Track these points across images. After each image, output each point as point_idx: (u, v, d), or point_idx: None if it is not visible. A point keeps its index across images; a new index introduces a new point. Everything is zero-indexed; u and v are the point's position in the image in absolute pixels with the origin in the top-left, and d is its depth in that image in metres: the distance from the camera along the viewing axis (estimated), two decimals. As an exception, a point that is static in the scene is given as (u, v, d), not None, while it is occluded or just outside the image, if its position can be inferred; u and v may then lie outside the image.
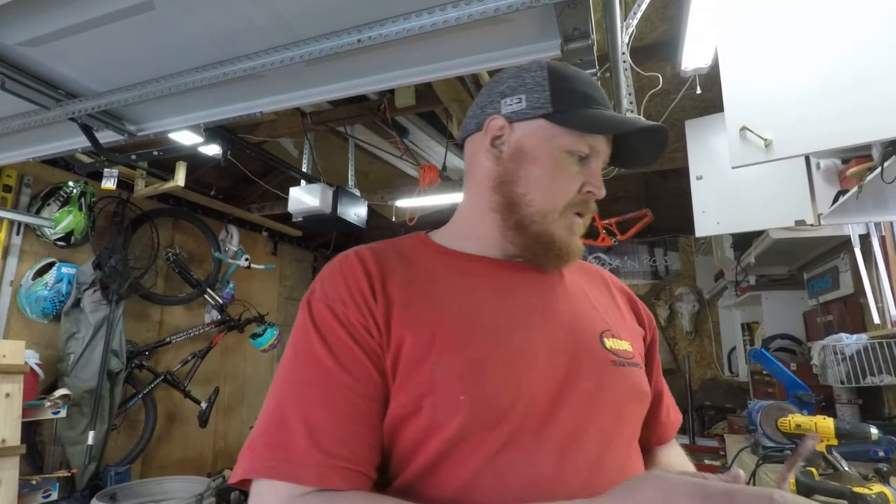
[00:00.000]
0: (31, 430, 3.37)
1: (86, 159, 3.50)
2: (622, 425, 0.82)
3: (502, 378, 0.75)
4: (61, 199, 3.66)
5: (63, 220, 3.62)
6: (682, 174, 3.59)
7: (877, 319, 2.55)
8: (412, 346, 0.76)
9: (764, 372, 3.25)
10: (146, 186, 4.05)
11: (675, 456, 1.02)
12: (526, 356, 0.78)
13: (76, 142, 2.19)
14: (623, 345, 0.88)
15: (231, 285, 5.04)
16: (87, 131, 2.02)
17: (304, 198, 3.45)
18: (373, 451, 0.72)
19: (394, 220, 5.09)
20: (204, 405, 4.38)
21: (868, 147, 2.02)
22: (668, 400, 1.03)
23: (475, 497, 0.70)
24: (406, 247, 0.95)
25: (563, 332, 0.84)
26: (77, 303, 3.68)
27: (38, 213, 3.59)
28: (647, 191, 5.55)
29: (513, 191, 0.89)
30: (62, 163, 3.76)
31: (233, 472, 0.73)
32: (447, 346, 0.76)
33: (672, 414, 1.03)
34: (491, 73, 2.87)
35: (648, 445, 0.98)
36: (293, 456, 0.68)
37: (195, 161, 4.07)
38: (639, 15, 2.03)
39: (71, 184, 3.71)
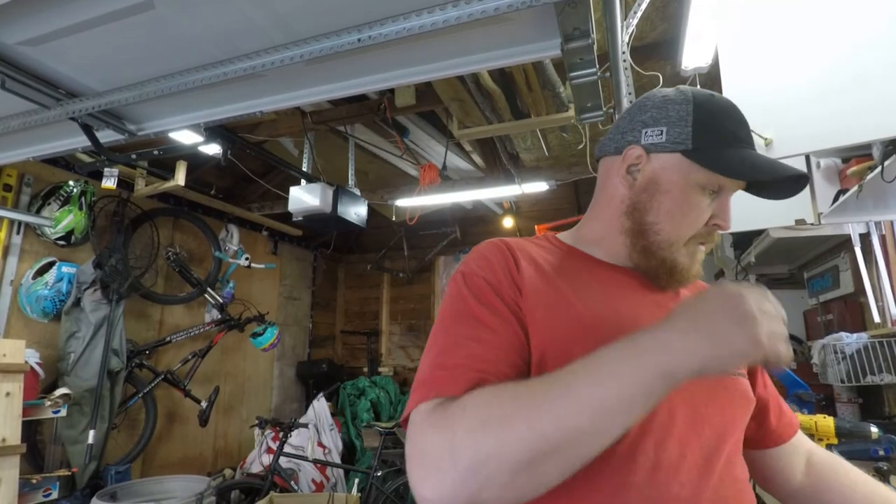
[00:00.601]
0: (31, 430, 3.37)
1: (86, 159, 3.50)
2: (733, 431, 0.86)
3: None
4: (61, 199, 3.65)
5: (63, 220, 3.62)
6: (682, 173, 3.59)
7: (877, 318, 2.55)
8: (561, 327, 0.82)
9: (764, 371, 3.25)
10: (146, 186, 4.05)
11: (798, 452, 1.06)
12: None
13: (76, 141, 2.19)
14: None
15: (231, 285, 5.04)
16: (88, 131, 2.02)
17: (305, 197, 3.45)
18: (508, 368, 0.77)
19: (394, 219, 5.10)
20: (204, 404, 4.38)
21: (868, 146, 2.01)
22: (778, 403, 1.06)
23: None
24: (539, 244, 1.01)
25: None
26: (77, 302, 3.68)
27: (38, 212, 3.59)
28: (647, 190, 5.54)
29: (643, 219, 0.93)
30: (62, 162, 3.76)
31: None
32: (595, 335, 0.78)
33: (784, 417, 1.05)
34: (491, 73, 2.87)
35: (761, 449, 1.05)
36: (430, 379, 0.76)
37: (195, 160, 4.07)
38: (639, 14, 2.03)
39: (71, 183, 3.71)
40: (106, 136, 2.10)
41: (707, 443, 0.80)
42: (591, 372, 0.67)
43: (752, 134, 0.92)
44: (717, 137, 0.90)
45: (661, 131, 0.93)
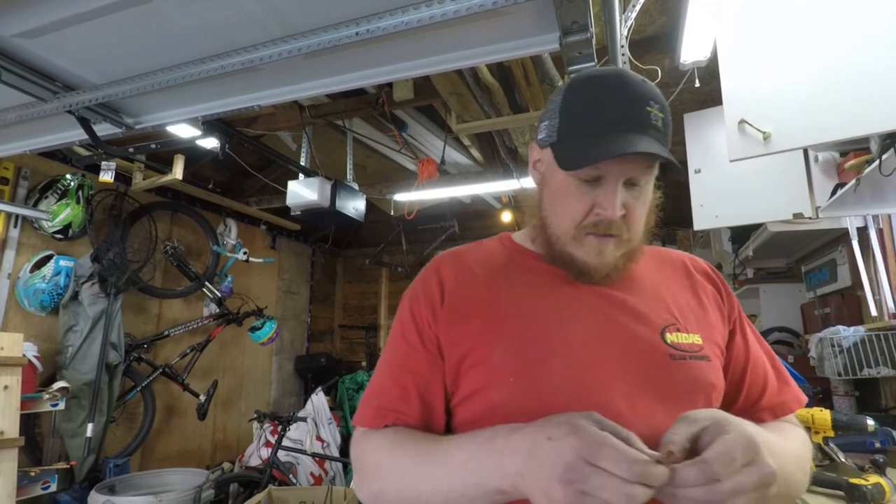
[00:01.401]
0: (29, 423, 3.37)
1: (83, 152, 3.49)
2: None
3: (547, 366, 0.84)
4: (59, 192, 3.65)
5: (61, 213, 3.62)
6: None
7: (874, 312, 2.56)
8: (475, 337, 0.90)
9: (761, 365, 3.26)
10: (144, 180, 4.04)
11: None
12: (574, 348, 0.86)
13: (74, 134, 2.18)
14: (690, 338, 0.91)
15: (229, 279, 5.04)
16: (85, 124, 2.01)
17: (303, 191, 3.45)
18: (417, 407, 0.91)
19: (392, 213, 5.09)
20: (202, 398, 4.39)
21: (866, 140, 2.02)
22: (774, 380, 1.00)
23: None
24: (493, 247, 1.07)
25: (619, 328, 0.89)
26: (75, 296, 3.68)
27: (35, 205, 3.58)
28: (645, 184, 5.54)
29: (542, 213, 0.98)
30: (60, 155, 3.75)
31: None
32: (508, 336, 0.88)
33: (780, 395, 1.00)
34: (490, 67, 2.87)
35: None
36: (364, 410, 0.95)
37: (193, 154, 4.06)
38: (637, 7, 2.02)
39: (68, 176, 3.70)
40: (103, 129, 2.09)
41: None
42: (447, 462, 0.80)
43: (649, 111, 0.86)
44: (574, 126, 0.89)
45: (545, 125, 0.94)
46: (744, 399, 0.98)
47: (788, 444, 0.88)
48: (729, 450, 0.65)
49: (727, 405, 0.96)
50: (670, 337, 0.89)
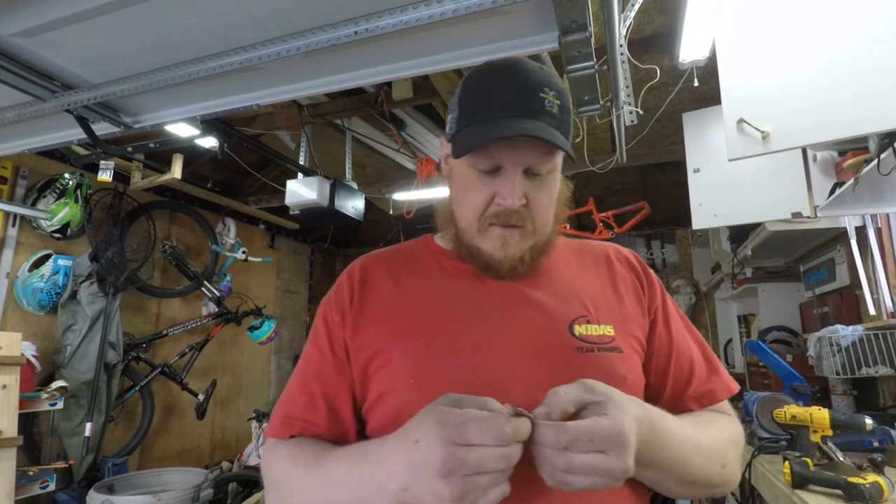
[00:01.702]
0: (28, 422, 3.38)
1: (82, 151, 3.49)
2: None
3: (448, 364, 0.84)
4: (57, 191, 3.65)
5: (59, 212, 3.61)
6: (679, 167, 3.59)
7: (872, 311, 2.57)
8: (380, 339, 0.90)
9: (760, 363, 3.27)
10: (143, 179, 4.03)
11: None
12: (478, 346, 0.86)
13: (72, 133, 2.18)
14: (601, 330, 0.90)
15: (228, 278, 5.04)
16: (83, 123, 2.01)
17: (302, 191, 3.44)
18: (324, 415, 0.90)
19: (391, 213, 5.09)
20: (201, 397, 4.39)
21: (864, 139, 2.02)
22: (702, 370, 0.99)
23: None
24: (409, 248, 1.08)
25: (526, 323, 0.89)
26: (74, 295, 3.68)
27: (33, 204, 3.58)
28: (644, 183, 5.55)
29: (452, 209, 0.98)
30: (58, 154, 3.75)
31: None
32: (409, 336, 0.89)
33: (708, 384, 0.98)
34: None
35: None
36: (272, 420, 0.94)
37: (192, 153, 4.06)
38: (636, 6, 2.02)
39: (67, 176, 3.70)
40: (102, 128, 2.09)
41: None
42: (328, 478, 0.80)
43: (543, 97, 0.85)
44: (468, 116, 0.89)
45: (449, 118, 0.95)
46: (670, 389, 0.97)
47: (700, 432, 0.87)
48: (592, 431, 0.66)
49: (654, 396, 0.95)
50: (579, 329, 0.88)
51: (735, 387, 1.01)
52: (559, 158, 0.90)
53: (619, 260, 1.05)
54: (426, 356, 0.86)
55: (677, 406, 0.95)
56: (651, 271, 1.06)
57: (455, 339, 0.87)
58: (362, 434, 0.93)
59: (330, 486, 0.79)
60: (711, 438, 0.88)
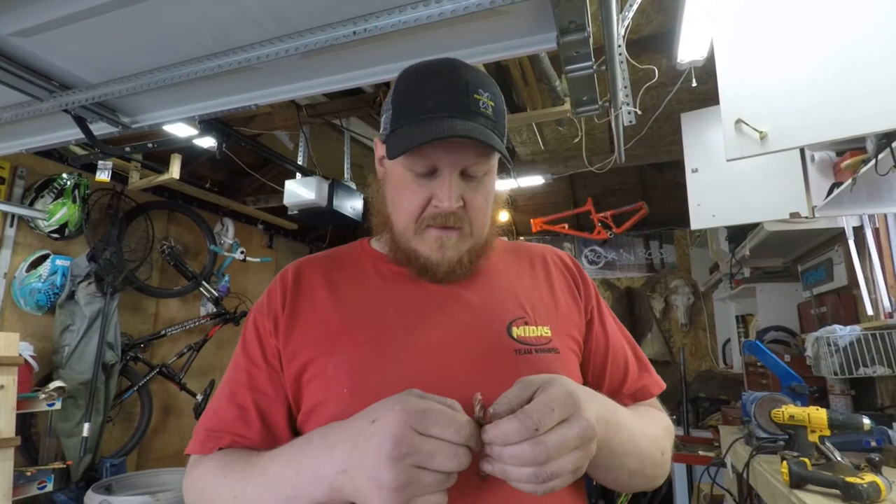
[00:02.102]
0: (25, 422, 3.37)
1: (80, 151, 3.48)
2: None
3: (384, 371, 0.82)
4: (55, 191, 3.64)
5: (57, 213, 3.61)
6: (677, 167, 3.60)
7: (870, 311, 2.57)
8: (313, 347, 0.87)
9: (758, 363, 3.27)
10: (141, 179, 4.03)
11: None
12: (415, 351, 0.84)
13: (70, 133, 2.18)
14: (539, 331, 0.90)
15: (226, 278, 5.03)
16: (81, 123, 2.01)
17: (300, 191, 3.44)
18: (257, 428, 0.86)
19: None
20: (199, 398, 4.38)
21: (862, 139, 2.03)
22: (634, 367, 1.03)
23: None
24: (345, 252, 1.05)
25: (463, 326, 0.88)
26: (71, 295, 3.67)
27: (31, 205, 3.57)
28: (642, 184, 5.56)
29: (387, 211, 0.95)
30: (56, 154, 3.74)
31: None
32: (342, 344, 0.86)
33: (640, 381, 1.02)
34: (487, 66, 2.87)
35: None
36: (195, 436, 0.89)
37: (190, 154, 4.06)
38: (635, 7, 2.02)
39: (65, 176, 3.69)
40: (100, 128, 2.09)
41: None
42: (263, 476, 0.76)
43: (478, 98, 0.84)
44: (401, 116, 0.87)
45: (383, 119, 0.92)
46: (607, 387, 0.98)
47: (644, 422, 0.89)
48: (548, 401, 0.65)
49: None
50: (517, 331, 0.88)
51: (663, 384, 1.06)
52: (495, 160, 0.89)
53: (554, 261, 1.05)
54: (360, 364, 0.83)
55: (615, 401, 0.94)
56: (585, 273, 1.07)
57: (390, 345, 0.85)
58: None
59: (262, 482, 0.76)
60: (651, 426, 0.91)
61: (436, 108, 0.83)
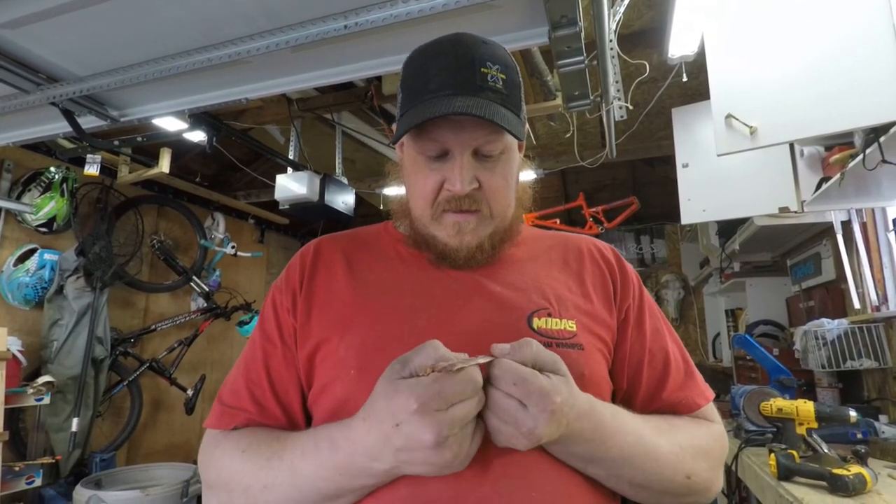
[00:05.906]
0: (13, 417, 3.35)
1: (68, 145, 3.45)
2: None
3: (393, 354, 0.75)
4: (43, 185, 3.61)
5: (45, 207, 3.58)
6: (668, 162, 3.61)
7: (857, 304, 2.59)
8: (327, 327, 0.86)
9: (747, 357, 3.30)
10: (130, 173, 3.99)
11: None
12: (427, 335, 0.76)
13: (58, 126, 2.16)
14: (563, 324, 0.85)
15: (217, 273, 5.01)
16: (69, 116, 1.99)
17: (291, 185, 3.43)
18: (272, 408, 0.87)
19: (382, 208, 5.08)
20: (190, 392, 4.37)
21: (851, 134, 2.04)
22: (680, 374, 0.94)
23: None
24: (369, 232, 1.03)
25: (480, 314, 0.85)
26: (60, 290, 3.64)
27: (18, 198, 3.54)
28: (633, 179, 5.58)
29: (406, 199, 0.94)
30: (43, 148, 3.70)
31: None
32: (354, 325, 0.85)
33: (683, 390, 0.93)
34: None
35: None
36: (213, 410, 0.90)
37: (180, 148, 4.02)
38: (626, 2, 2.03)
39: (53, 169, 3.66)
40: (88, 121, 2.07)
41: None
42: (294, 473, 0.76)
43: (485, 72, 0.81)
44: (409, 98, 0.84)
45: (397, 104, 0.89)
46: (643, 393, 0.92)
47: (665, 437, 0.83)
48: (522, 377, 0.67)
49: (628, 399, 0.91)
50: (538, 322, 0.84)
51: (711, 394, 0.97)
52: (511, 137, 0.84)
53: (591, 254, 0.99)
54: (370, 346, 0.81)
55: (650, 410, 0.91)
56: (628, 268, 1.00)
57: (401, 329, 0.82)
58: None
59: (296, 480, 0.76)
60: (676, 445, 0.83)
61: (438, 87, 0.80)
